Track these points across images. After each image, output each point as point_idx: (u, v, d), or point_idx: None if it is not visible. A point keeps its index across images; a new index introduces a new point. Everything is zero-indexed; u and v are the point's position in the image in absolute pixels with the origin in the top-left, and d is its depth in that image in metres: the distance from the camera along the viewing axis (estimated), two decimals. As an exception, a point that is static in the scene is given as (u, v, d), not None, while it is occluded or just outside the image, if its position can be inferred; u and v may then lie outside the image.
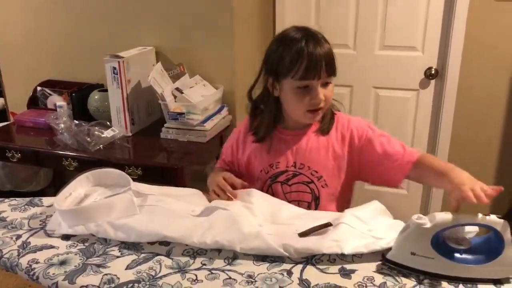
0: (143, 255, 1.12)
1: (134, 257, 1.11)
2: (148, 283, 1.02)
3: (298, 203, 1.35)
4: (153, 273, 1.05)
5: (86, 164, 1.90)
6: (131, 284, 1.01)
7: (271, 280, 1.01)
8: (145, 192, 1.29)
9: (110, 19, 2.33)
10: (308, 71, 1.23)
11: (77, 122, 2.09)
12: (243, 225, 1.13)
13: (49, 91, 2.38)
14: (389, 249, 1.04)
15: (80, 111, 2.24)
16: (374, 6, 2.37)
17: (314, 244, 1.08)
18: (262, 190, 1.39)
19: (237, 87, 2.25)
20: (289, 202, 1.33)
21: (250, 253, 1.09)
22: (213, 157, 2.25)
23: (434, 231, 0.98)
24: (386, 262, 1.03)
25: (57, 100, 2.27)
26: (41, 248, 1.16)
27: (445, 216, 0.98)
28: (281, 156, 1.37)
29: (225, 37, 2.17)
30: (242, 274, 1.03)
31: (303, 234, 1.12)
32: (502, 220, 0.96)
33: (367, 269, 1.03)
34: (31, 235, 1.22)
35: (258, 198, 1.30)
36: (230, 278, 1.02)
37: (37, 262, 1.11)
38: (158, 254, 1.12)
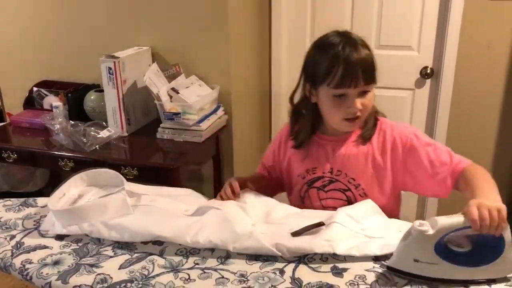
0: (136, 254, 1.12)
1: (127, 256, 1.12)
2: (141, 282, 1.02)
3: (334, 210, 1.27)
4: (146, 273, 1.05)
5: (82, 164, 1.89)
6: (124, 284, 1.02)
7: (263, 279, 1.01)
8: (139, 192, 1.29)
9: (106, 20, 2.33)
10: (344, 79, 1.18)
11: (73, 122, 2.09)
12: (236, 224, 1.14)
13: (45, 92, 2.38)
14: (385, 256, 1.04)
15: (76, 112, 2.24)
16: (369, 5, 2.37)
17: (306, 243, 1.08)
18: (299, 195, 1.39)
19: (233, 87, 2.25)
20: (325, 208, 1.31)
21: (243, 253, 1.10)
22: (208, 157, 2.26)
23: (437, 238, 0.96)
24: (389, 270, 1.01)
25: (53, 101, 2.27)
26: (35, 248, 1.17)
27: (447, 221, 0.96)
28: (319, 161, 1.33)
29: (221, 37, 2.17)
30: (234, 273, 1.04)
31: (295, 234, 1.12)
32: None
33: (359, 267, 1.03)
34: (25, 236, 1.23)
35: (252, 197, 1.31)
36: (222, 277, 1.03)
37: (30, 262, 1.11)
38: (151, 254, 1.12)
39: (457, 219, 0.96)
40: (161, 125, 2.09)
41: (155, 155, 2.05)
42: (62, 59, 2.47)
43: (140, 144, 2.10)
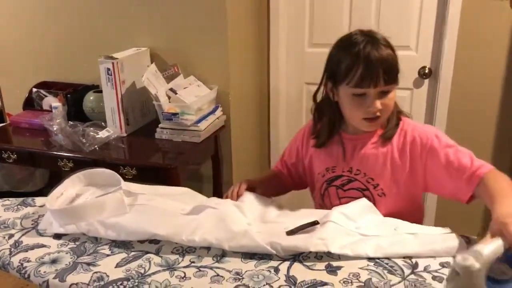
0: (133, 253, 1.13)
1: (124, 255, 1.13)
2: (137, 280, 1.03)
3: None
4: (142, 271, 1.06)
5: (81, 164, 1.90)
6: (120, 282, 1.03)
7: (258, 277, 1.02)
8: (136, 192, 1.30)
9: (105, 21, 2.34)
10: (364, 79, 1.17)
11: (71, 123, 2.10)
12: (231, 223, 1.15)
13: (44, 93, 2.39)
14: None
15: (76, 112, 2.25)
16: (367, 5, 2.38)
17: (301, 242, 1.09)
18: (319, 192, 1.39)
19: (231, 88, 2.26)
20: None
21: (238, 251, 1.10)
22: (207, 157, 2.27)
23: (485, 270, 0.86)
24: None
25: (53, 101, 2.28)
26: (33, 247, 1.18)
27: (490, 248, 0.88)
28: (338, 160, 1.33)
29: (219, 37, 2.18)
30: (230, 271, 1.05)
31: (290, 233, 1.13)
32: None
33: (353, 266, 1.04)
34: (23, 235, 1.24)
35: (249, 197, 1.32)
36: (218, 275, 1.04)
37: (28, 261, 1.12)
38: (147, 252, 1.13)
39: (497, 244, 0.90)
40: (159, 125, 2.10)
41: (154, 155, 2.06)
42: (61, 60, 2.48)
43: (139, 144, 2.11)
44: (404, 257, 1.06)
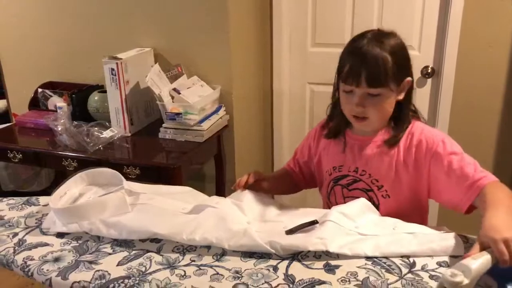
0: (134, 251, 1.15)
1: (125, 253, 1.14)
2: (138, 278, 1.05)
3: None
4: (143, 269, 1.08)
5: (86, 164, 1.91)
6: (122, 280, 1.04)
7: (257, 276, 1.03)
8: (138, 191, 1.31)
9: (109, 21, 2.36)
10: (348, 76, 1.19)
11: (76, 123, 2.12)
12: (231, 223, 1.16)
13: (49, 93, 2.41)
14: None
15: (81, 112, 2.27)
16: (370, 5, 2.38)
17: (300, 241, 1.10)
18: (326, 190, 1.40)
19: (234, 87, 2.27)
20: None
21: (238, 250, 1.12)
22: (210, 157, 2.28)
23: (473, 286, 0.88)
24: None
25: (58, 102, 2.30)
26: (36, 245, 1.20)
27: (478, 264, 0.88)
28: (345, 160, 1.34)
29: (222, 38, 2.19)
30: (229, 270, 1.06)
31: (289, 232, 1.14)
32: None
33: (351, 264, 1.05)
34: (27, 233, 1.26)
35: (249, 196, 1.33)
36: (217, 273, 1.05)
37: (32, 259, 1.14)
38: (149, 251, 1.15)
39: (485, 258, 0.90)
40: (163, 125, 2.12)
41: (157, 154, 2.07)
42: (66, 60, 2.50)
43: (143, 144, 2.13)
44: (401, 256, 1.07)
